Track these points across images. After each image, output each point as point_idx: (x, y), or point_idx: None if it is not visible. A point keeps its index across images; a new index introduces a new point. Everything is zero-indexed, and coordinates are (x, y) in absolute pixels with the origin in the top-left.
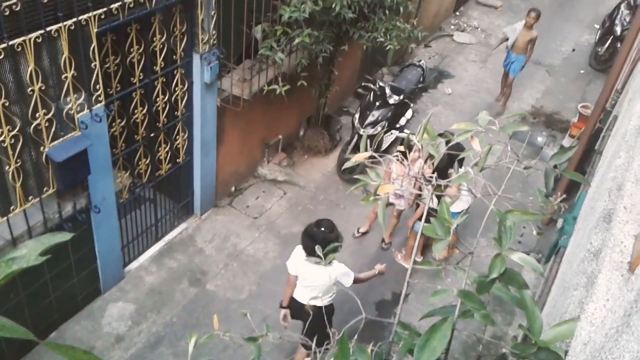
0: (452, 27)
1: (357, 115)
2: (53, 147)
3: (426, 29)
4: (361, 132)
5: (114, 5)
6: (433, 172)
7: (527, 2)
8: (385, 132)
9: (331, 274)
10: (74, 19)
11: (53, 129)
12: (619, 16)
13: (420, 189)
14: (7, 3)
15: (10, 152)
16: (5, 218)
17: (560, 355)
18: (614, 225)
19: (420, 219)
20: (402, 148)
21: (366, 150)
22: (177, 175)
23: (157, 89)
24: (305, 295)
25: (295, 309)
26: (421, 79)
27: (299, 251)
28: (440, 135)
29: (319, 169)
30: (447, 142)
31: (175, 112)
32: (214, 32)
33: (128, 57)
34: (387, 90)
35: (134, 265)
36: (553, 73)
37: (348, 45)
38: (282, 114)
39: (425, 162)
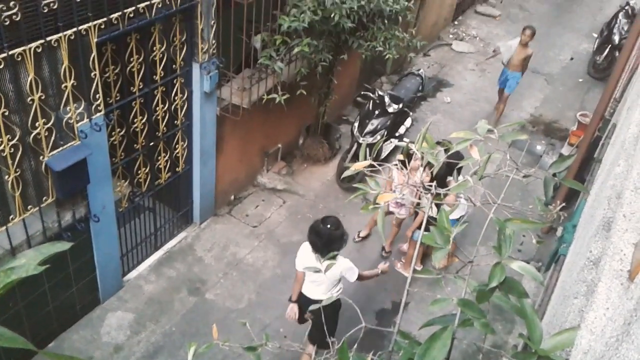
0: (451, 36)
1: (356, 124)
2: (52, 156)
3: (425, 38)
4: (360, 141)
5: (114, 15)
6: (431, 180)
7: (525, 12)
8: (385, 141)
9: (337, 269)
10: (74, 29)
11: (53, 138)
12: (617, 25)
13: (419, 197)
14: (8, 13)
15: (9, 161)
16: (4, 227)
17: None
18: (614, 233)
19: (419, 227)
20: (402, 157)
21: (365, 158)
22: (177, 184)
23: (156, 98)
24: (313, 291)
25: (304, 303)
26: (420, 88)
27: (306, 247)
28: (438, 143)
29: (319, 177)
30: (446, 151)
31: (175, 121)
32: (213, 41)
33: (128, 67)
34: (386, 99)
35: (133, 274)
36: (552, 82)
37: (347, 55)
38: (281, 122)
39: (424, 169)
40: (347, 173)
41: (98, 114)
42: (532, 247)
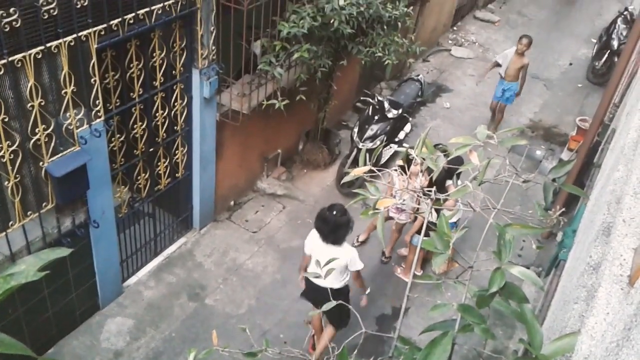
0: (450, 41)
1: (356, 129)
2: (52, 162)
3: (424, 44)
4: (360, 146)
5: (114, 22)
6: (430, 185)
7: (524, 18)
8: (384, 146)
9: (344, 255)
10: (74, 35)
11: (52, 144)
12: (615, 30)
13: (419, 202)
14: (8, 19)
15: (9, 167)
16: (4, 233)
17: None
18: (614, 238)
19: (418, 232)
20: (401, 162)
21: (365, 164)
22: (176, 189)
23: (156, 104)
24: (320, 279)
25: (310, 290)
26: (419, 93)
27: (314, 234)
28: (435, 146)
29: (318, 182)
30: (445, 156)
31: (175, 127)
32: (213, 47)
33: (128, 73)
34: (386, 105)
35: (132, 280)
36: (551, 87)
37: (347, 60)
38: (281, 128)
39: (423, 174)
40: (346, 178)
41: (98, 120)
42: (532, 252)
